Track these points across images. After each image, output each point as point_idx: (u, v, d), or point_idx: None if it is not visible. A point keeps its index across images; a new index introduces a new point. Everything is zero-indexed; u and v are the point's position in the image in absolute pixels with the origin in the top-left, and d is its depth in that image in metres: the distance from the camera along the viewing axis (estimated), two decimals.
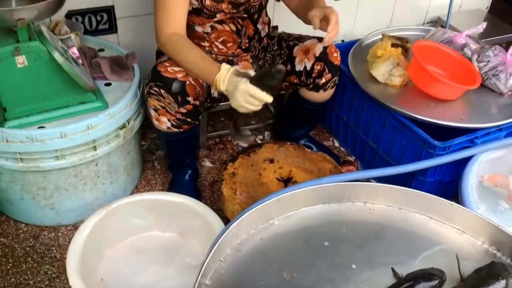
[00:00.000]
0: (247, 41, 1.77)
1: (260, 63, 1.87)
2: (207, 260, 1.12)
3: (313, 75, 1.74)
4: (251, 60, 1.82)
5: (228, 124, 1.62)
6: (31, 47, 1.40)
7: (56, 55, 1.42)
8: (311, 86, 1.78)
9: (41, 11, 1.33)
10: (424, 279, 1.06)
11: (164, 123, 1.61)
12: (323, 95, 1.81)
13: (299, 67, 1.76)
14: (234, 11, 1.67)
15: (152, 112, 1.61)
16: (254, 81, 1.39)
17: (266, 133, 2.26)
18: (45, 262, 1.63)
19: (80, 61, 1.67)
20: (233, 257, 1.20)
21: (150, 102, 1.60)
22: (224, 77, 1.43)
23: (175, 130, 1.63)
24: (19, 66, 1.41)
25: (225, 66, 1.45)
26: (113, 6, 1.97)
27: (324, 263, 1.15)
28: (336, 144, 2.22)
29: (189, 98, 1.57)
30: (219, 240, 1.16)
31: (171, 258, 1.60)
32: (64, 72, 1.46)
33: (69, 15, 1.89)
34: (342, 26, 1.99)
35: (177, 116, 1.60)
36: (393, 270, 1.13)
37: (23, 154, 1.50)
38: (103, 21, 1.98)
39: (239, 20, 1.72)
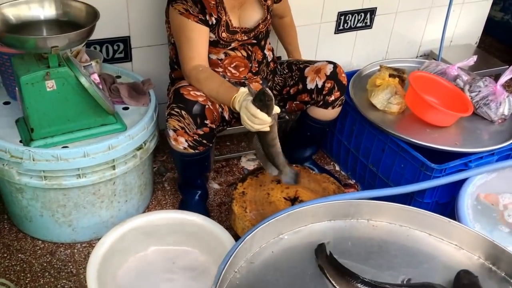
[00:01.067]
0: (256, 65, 1.90)
1: (269, 84, 2.00)
2: (223, 270, 1.20)
3: (324, 92, 1.89)
4: (261, 82, 1.96)
5: (261, 159, 1.70)
6: (61, 73, 1.51)
7: (83, 80, 1.53)
8: (321, 103, 1.92)
9: (73, 40, 1.45)
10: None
11: (181, 143, 1.72)
12: (331, 113, 1.95)
13: (310, 85, 1.91)
14: (246, 38, 1.82)
15: (171, 133, 1.72)
16: (253, 101, 1.52)
17: None
18: (62, 277, 1.70)
19: (100, 86, 1.78)
20: (247, 269, 1.28)
21: (170, 123, 1.71)
22: (240, 98, 1.56)
23: (191, 151, 1.74)
24: (48, 89, 1.52)
25: (242, 89, 1.58)
26: (129, 37, 2.10)
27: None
28: (337, 168, 2.33)
29: (207, 121, 1.69)
30: (234, 252, 1.25)
31: (183, 272, 1.67)
32: (89, 95, 1.57)
33: (88, 44, 2.02)
34: (341, 57, 2.14)
35: (194, 137, 1.71)
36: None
37: (47, 172, 1.59)
38: (119, 50, 2.11)
39: (249, 47, 1.86)
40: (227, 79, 1.87)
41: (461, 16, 2.95)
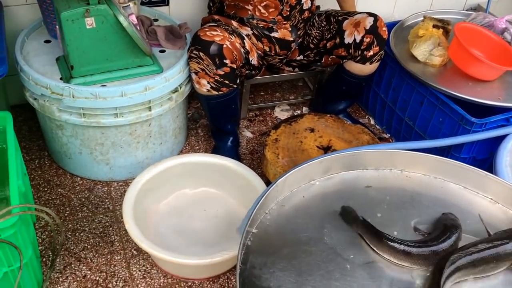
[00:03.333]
0: (288, 9, 1.85)
1: (299, 33, 1.95)
2: (254, 210, 1.22)
3: (362, 47, 1.83)
4: (290, 29, 1.91)
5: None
6: (100, 10, 1.51)
7: (121, 19, 1.53)
8: (358, 58, 1.86)
9: None
10: (452, 229, 1.15)
11: (204, 85, 1.73)
12: (369, 68, 1.90)
13: (348, 39, 1.85)
14: None
15: (193, 76, 1.73)
16: None
17: (304, 108, 2.35)
18: (99, 212, 1.77)
19: (138, 28, 1.79)
20: (277, 211, 1.30)
21: (191, 66, 1.72)
22: None
23: (215, 92, 1.75)
24: (88, 27, 1.53)
25: None
26: None
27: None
28: (372, 121, 2.29)
29: (226, 61, 1.68)
30: (266, 194, 1.26)
31: (215, 214, 1.72)
32: (127, 35, 1.58)
33: None
34: (382, 9, 2.06)
35: (216, 78, 1.71)
36: (416, 228, 1.22)
37: (86, 109, 1.63)
38: None
39: None
40: (255, 20, 1.84)
41: None
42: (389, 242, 1.13)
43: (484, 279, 1.13)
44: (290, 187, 1.36)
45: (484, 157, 1.85)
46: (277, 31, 1.88)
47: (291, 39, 1.91)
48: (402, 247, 1.12)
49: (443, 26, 2.04)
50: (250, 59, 1.86)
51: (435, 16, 2.15)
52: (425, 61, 1.97)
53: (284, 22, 1.88)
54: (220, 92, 1.76)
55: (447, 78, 1.93)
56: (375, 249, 1.15)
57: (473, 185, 1.38)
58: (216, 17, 1.87)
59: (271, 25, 1.87)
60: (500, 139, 1.74)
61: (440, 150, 1.83)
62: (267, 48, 1.90)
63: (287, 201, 1.33)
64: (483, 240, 1.16)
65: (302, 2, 1.88)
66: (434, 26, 2.01)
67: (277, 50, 1.92)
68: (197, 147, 2.10)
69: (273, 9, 1.84)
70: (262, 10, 1.83)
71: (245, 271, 1.15)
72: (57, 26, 1.66)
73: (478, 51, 1.95)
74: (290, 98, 2.38)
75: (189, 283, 1.57)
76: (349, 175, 1.43)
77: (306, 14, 1.94)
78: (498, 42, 1.99)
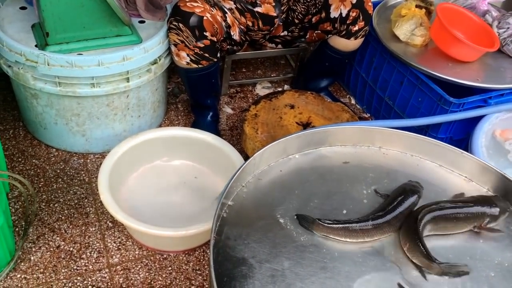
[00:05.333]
0: None
1: (282, 8, 1.93)
2: (231, 182, 1.21)
3: (348, 22, 1.83)
4: (273, 4, 1.88)
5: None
6: None
7: None
8: (343, 32, 1.87)
9: None
10: (410, 192, 1.19)
11: (183, 58, 1.70)
12: (353, 43, 1.91)
13: (334, 14, 1.84)
14: None
15: (173, 48, 1.71)
16: None
17: (286, 86, 2.34)
18: (74, 184, 1.75)
19: None
20: (254, 184, 1.30)
21: (170, 37, 1.69)
22: None
23: (194, 66, 1.72)
24: None
25: None
26: None
27: (339, 195, 1.25)
28: (353, 101, 2.30)
29: (206, 33, 1.66)
30: (243, 167, 1.26)
31: (191, 186, 1.71)
32: (105, 2, 1.54)
33: None
34: None
35: (195, 51, 1.68)
36: (376, 191, 1.26)
37: (62, 78, 1.59)
38: None
39: None
40: None
41: None
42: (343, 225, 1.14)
43: (445, 237, 1.16)
44: (267, 161, 1.35)
45: (461, 138, 1.87)
46: (260, 6, 1.85)
47: (275, 14, 1.88)
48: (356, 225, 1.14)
49: (426, 6, 2.04)
50: (232, 33, 1.83)
51: None
52: (407, 40, 1.97)
53: None
54: (200, 66, 1.74)
55: (428, 58, 1.93)
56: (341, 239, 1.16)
57: (449, 163, 1.39)
58: None
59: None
60: (477, 119, 1.76)
61: (418, 130, 1.85)
62: (250, 23, 1.88)
63: (264, 175, 1.33)
64: (448, 201, 1.20)
65: None
66: (417, 6, 2.01)
67: (260, 25, 1.90)
68: (177, 122, 2.08)
69: None
70: None
71: (220, 242, 1.15)
72: None
73: (459, 32, 1.95)
74: (272, 75, 2.37)
75: (164, 255, 1.56)
76: (327, 151, 1.43)
77: None
78: (479, 24, 2.00)
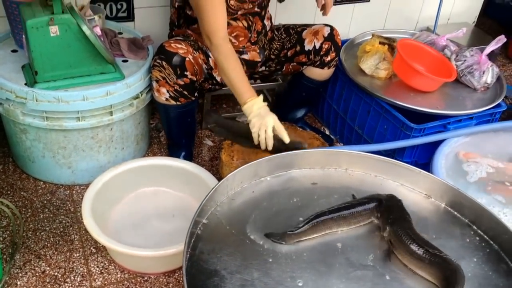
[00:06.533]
0: (255, 35, 1.99)
1: (266, 53, 2.10)
2: (204, 202, 1.31)
3: (321, 53, 2.01)
4: (258, 51, 2.04)
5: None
6: (64, 19, 1.62)
7: (84, 28, 1.64)
8: (318, 63, 2.04)
9: None
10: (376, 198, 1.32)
11: (163, 94, 1.83)
12: (326, 73, 2.08)
13: (308, 46, 2.02)
14: (251, 6, 1.89)
15: (154, 84, 1.83)
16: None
17: None
18: (60, 213, 1.83)
19: (102, 39, 1.89)
20: (228, 204, 1.40)
21: (153, 74, 1.82)
22: (258, 105, 1.73)
23: (173, 102, 1.84)
24: (52, 35, 1.63)
25: (261, 98, 1.75)
26: None
27: (305, 212, 1.34)
28: (327, 132, 2.43)
29: (187, 73, 1.79)
30: (215, 187, 1.37)
31: (171, 211, 1.81)
32: (90, 43, 1.68)
33: (94, 2, 2.12)
34: (339, 28, 2.22)
35: (175, 88, 1.81)
36: (353, 196, 1.39)
37: (49, 113, 1.71)
38: (122, 9, 2.21)
39: (250, 17, 1.93)
40: None
41: None
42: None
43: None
44: (241, 183, 1.46)
45: (425, 162, 1.99)
46: (247, 53, 2.01)
47: (259, 59, 2.05)
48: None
49: (389, 43, 2.22)
50: (215, 74, 1.97)
51: (383, 35, 2.33)
52: (372, 74, 2.13)
53: (253, 47, 2.02)
54: (178, 102, 1.86)
55: (392, 90, 2.09)
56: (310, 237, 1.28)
57: (409, 182, 1.51)
58: (189, 31, 1.95)
59: (242, 49, 1.99)
60: (439, 144, 1.89)
61: (386, 155, 1.96)
62: None
63: (238, 196, 1.43)
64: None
65: (266, 26, 2.02)
66: (380, 43, 2.19)
67: (244, 69, 2.05)
68: (159, 154, 2.19)
69: (243, 38, 1.96)
70: (233, 40, 1.94)
71: (194, 256, 1.24)
72: (23, 36, 1.75)
73: (419, 65, 2.12)
74: None
75: (145, 278, 1.63)
76: (297, 173, 1.54)
77: (270, 34, 2.08)
78: (438, 57, 2.17)
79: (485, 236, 1.36)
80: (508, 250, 1.31)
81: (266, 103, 1.76)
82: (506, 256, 1.31)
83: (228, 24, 1.89)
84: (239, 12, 1.88)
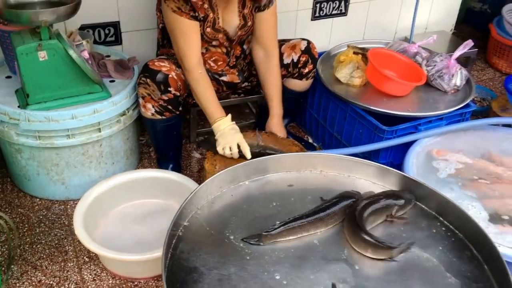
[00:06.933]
0: (234, 60, 2.11)
1: (245, 75, 2.22)
2: (183, 205, 1.40)
3: (299, 65, 2.14)
4: (237, 73, 2.16)
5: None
6: (51, 44, 1.75)
7: (71, 51, 1.77)
8: (296, 75, 2.16)
9: (60, 14, 1.69)
10: (345, 197, 1.40)
11: (149, 109, 1.95)
12: (305, 84, 2.20)
13: (287, 60, 2.15)
14: (227, 43, 2.01)
15: (141, 100, 1.95)
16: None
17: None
18: (55, 227, 1.94)
19: (89, 62, 2.02)
20: (208, 208, 1.49)
21: (139, 91, 1.94)
22: (226, 125, 1.89)
23: (158, 116, 1.96)
24: (40, 59, 1.76)
25: (228, 117, 1.92)
26: (119, 22, 2.33)
27: (282, 213, 1.43)
28: (310, 140, 2.53)
29: (170, 88, 1.91)
30: (194, 191, 1.46)
31: (161, 217, 1.91)
32: (77, 66, 1.81)
33: (82, 28, 2.26)
34: (319, 43, 2.35)
35: (160, 103, 1.93)
36: (321, 198, 1.46)
37: (41, 132, 1.83)
38: (110, 34, 2.35)
39: (228, 44, 2.04)
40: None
41: (434, 3, 3.12)
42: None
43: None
44: (220, 188, 1.55)
45: (400, 162, 2.08)
46: (225, 76, 2.13)
47: (239, 81, 2.17)
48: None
49: (362, 52, 2.34)
50: None
51: (358, 46, 2.45)
52: (347, 82, 2.25)
53: (232, 70, 2.14)
54: (163, 117, 1.98)
55: (366, 96, 2.20)
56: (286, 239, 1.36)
57: (380, 180, 1.60)
58: (172, 50, 2.04)
59: (220, 72, 2.11)
60: (411, 145, 1.99)
61: (363, 158, 2.06)
62: (215, 88, 2.07)
63: (217, 199, 1.52)
64: (364, 198, 1.43)
65: (245, 50, 2.13)
66: (354, 53, 2.31)
67: (224, 89, 2.17)
68: (150, 168, 2.29)
69: (222, 62, 2.08)
70: (212, 64, 2.07)
71: (175, 255, 1.32)
72: (15, 62, 1.88)
73: (390, 71, 2.23)
74: (237, 122, 2.61)
75: (136, 283, 1.73)
76: (274, 177, 1.63)
77: (249, 57, 2.19)
78: (409, 63, 2.29)
79: (451, 226, 1.44)
80: (472, 238, 1.39)
81: (233, 122, 1.90)
82: (470, 243, 1.39)
83: (208, 49, 2.01)
84: (214, 43, 1.98)
